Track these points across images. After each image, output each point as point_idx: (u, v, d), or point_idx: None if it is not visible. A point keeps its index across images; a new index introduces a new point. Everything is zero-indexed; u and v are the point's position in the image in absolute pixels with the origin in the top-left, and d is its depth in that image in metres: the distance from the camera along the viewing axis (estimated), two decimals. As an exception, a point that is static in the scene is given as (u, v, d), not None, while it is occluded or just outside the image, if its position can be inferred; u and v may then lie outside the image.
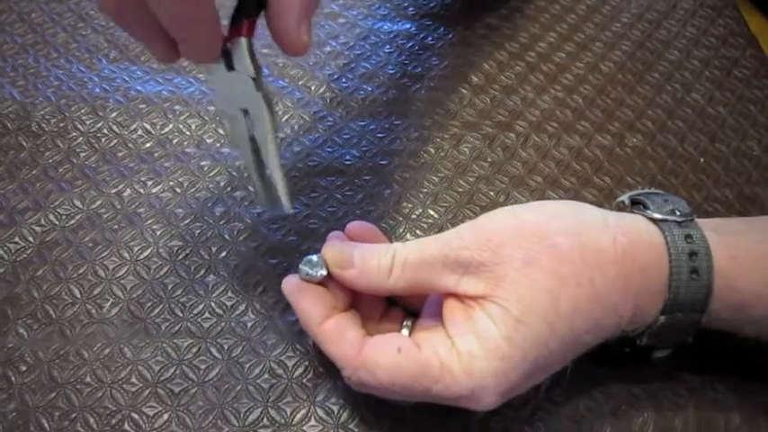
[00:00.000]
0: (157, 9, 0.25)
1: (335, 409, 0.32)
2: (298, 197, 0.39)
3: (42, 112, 0.43)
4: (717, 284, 0.28)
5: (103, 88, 0.45)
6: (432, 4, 0.51)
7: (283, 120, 0.43)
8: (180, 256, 0.37)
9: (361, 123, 0.43)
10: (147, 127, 0.43)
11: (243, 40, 0.27)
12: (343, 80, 0.46)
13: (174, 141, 0.42)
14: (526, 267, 0.27)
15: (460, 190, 0.40)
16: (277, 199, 0.31)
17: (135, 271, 0.36)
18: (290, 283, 0.30)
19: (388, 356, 0.28)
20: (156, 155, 0.41)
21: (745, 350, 0.32)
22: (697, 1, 0.51)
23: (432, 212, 0.39)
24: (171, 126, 0.43)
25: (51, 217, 0.38)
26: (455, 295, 0.29)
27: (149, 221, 0.38)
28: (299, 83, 0.45)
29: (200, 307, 0.35)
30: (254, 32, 0.28)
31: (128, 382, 0.32)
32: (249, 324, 0.34)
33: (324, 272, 0.30)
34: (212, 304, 0.35)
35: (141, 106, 0.44)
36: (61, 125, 0.43)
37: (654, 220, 0.29)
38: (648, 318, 0.29)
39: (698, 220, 0.29)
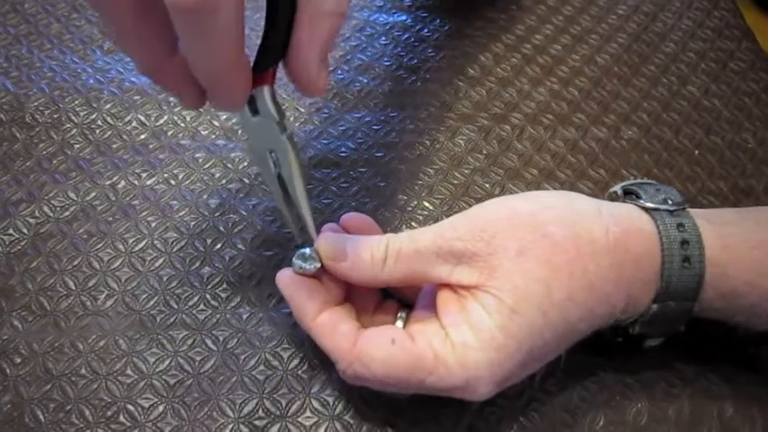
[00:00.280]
0: (195, 66, 0.25)
1: (331, 400, 0.32)
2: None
3: (36, 104, 0.43)
4: (709, 273, 0.28)
5: (97, 79, 0.44)
6: (427, -4, 0.51)
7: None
8: (175, 248, 0.37)
9: (357, 115, 0.43)
10: (142, 119, 0.43)
11: (266, 88, 0.28)
12: (339, 72, 0.45)
13: (169, 133, 0.42)
14: (520, 257, 0.27)
15: (456, 182, 0.40)
16: (306, 231, 0.31)
17: (130, 263, 0.36)
18: (283, 278, 0.30)
19: (382, 349, 0.28)
20: (151, 147, 0.41)
21: (738, 340, 0.33)
22: (693, -7, 0.51)
23: (427, 204, 0.39)
24: (165, 118, 0.43)
25: (45, 209, 0.38)
26: (449, 286, 0.29)
27: (144, 213, 0.38)
28: (295, 75, 0.45)
29: (196, 299, 0.35)
30: (275, 79, 0.29)
31: (123, 374, 0.32)
32: (244, 316, 0.34)
33: (317, 264, 0.30)
34: (207, 296, 0.35)
35: (136, 98, 0.44)
36: (55, 116, 0.42)
37: (646, 210, 0.29)
38: (641, 306, 0.29)
39: (690, 210, 0.30)
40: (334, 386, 0.32)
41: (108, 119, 0.42)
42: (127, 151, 0.41)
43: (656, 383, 0.32)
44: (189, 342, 0.33)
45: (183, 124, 0.42)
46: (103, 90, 0.44)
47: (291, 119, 0.43)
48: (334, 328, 0.29)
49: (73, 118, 0.42)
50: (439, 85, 0.45)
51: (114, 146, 0.41)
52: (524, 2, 0.50)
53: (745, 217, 0.30)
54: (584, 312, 0.28)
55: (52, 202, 0.38)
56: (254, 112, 0.29)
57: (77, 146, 0.41)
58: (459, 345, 0.27)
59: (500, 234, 0.28)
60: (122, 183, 0.39)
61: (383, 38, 0.48)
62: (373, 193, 0.39)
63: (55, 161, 0.40)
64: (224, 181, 0.40)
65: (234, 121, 0.42)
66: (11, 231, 0.37)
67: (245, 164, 0.40)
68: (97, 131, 0.42)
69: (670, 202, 0.29)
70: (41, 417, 0.31)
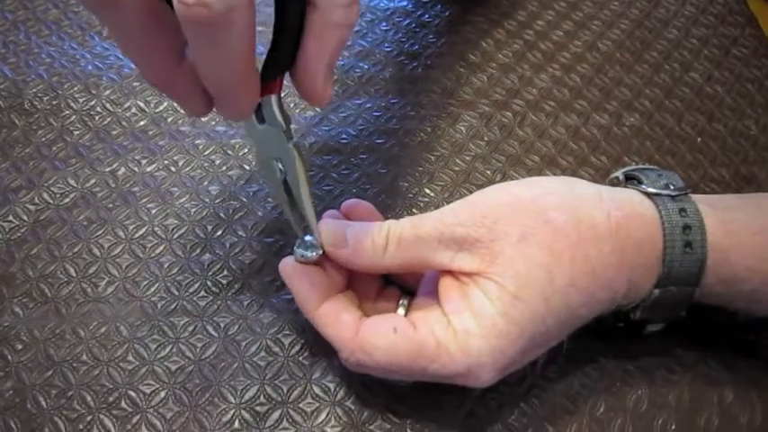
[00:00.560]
0: (206, 77, 0.25)
1: (332, 386, 0.32)
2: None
3: (35, 90, 0.43)
4: (710, 258, 0.28)
5: (96, 66, 0.44)
6: (428, -18, 0.50)
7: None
8: (175, 235, 0.37)
9: (358, 102, 0.43)
10: (141, 105, 0.42)
11: (273, 97, 0.28)
12: (339, 58, 0.45)
13: (169, 120, 0.42)
14: (521, 243, 0.27)
15: (457, 169, 0.40)
16: (311, 235, 0.31)
17: (130, 250, 0.36)
18: (286, 267, 0.30)
19: (384, 337, 0.28)
20: (151, 133, 0.41)
21: (738, 326, 0.33)
22: (696, -21, 0.51)
23: (428, 191, 0.39)
24: (165, 104, 0.42)
25: (45, 196, 0.38)
26: (451, 273, 0.29)
27: (144, 200, 0.38)
28: (295, 61, 0.45)
29: (196, 285, 0.35)
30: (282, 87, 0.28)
31: (124, 360, 0.32)
32: (245, 302, 0.34)
33: (319, 251, 0.30)
34: (208, 283, 0.35)
35: (135, 84, 0.43)
36: (54, 103, 0.42)
37: (648, 195, 0.29)
38: (643, 292, 0.29)
39: (692, 196, 0.29)
40: (335, 372, 0.32)
41: (107, 105, 0.42)
42: (126, 138, 0.41)
43: (657, 370, 0.32)
44: (190, 329, 0.33)
45: (182, 111, 0.42)
46: (102, 76, 0.44)
47: (292, 105, 0.42)
48: (336, 317, 0.29)
49: (72, 104, 0.42)
50: (440, 71, 0.45)
51: (114, 132, 0.41)
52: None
53: (747, 203, 0.30)
54: (585, 298, 0.28)
55: (52, 188, 0.38)
56: (261, 120, 0.29)
57: (77, 132, 0.41)
58: (462, 332, 0.27)
59: (502, 220, 0.28)
60: (122, 169, 0.39)
61: (384, 23, 0.47)
62: (374, 179, 0.39)
63: (54, 148, 0.40)
64: (224, 167, 0.39)
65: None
66: (11, 218, 0.37)
67: (246, 150, 0.40)
68: (96, 118, 0.42)
69: (672, 188, 0.29)
70: (43, 403, 0.31)
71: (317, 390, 0.32)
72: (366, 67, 0.45)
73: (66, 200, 0.38)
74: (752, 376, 0.32)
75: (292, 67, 0.27)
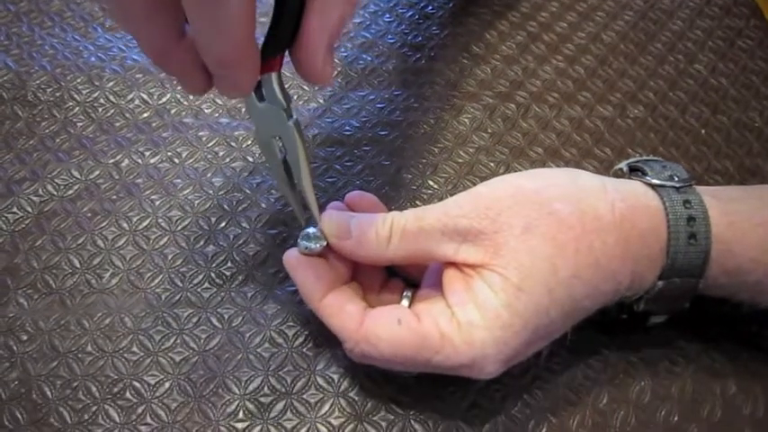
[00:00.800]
0: (206, 52, 0.25)
1: (336, 377, 0.32)
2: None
3: (38, 82, 0.43)
4: (714, 250, 0.28)
5: (99, 57, 0.44)
6: (432, -27, 0.50)
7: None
8: (179, 227, 0.37)
9: (361, 93, 0.43)
10: (145, 97, 0.42)
11: (274, 75, 0.28)
12: (343, 49, 0.45)
13: (172, 111, 0.42)
14: (525, 234, 0.27)
15: (460, 161, 0.40)
16: (311, 216, 0.31)
17: (134, 241, 0.36)
18: (291, 259, 0.30)
19: (388, 329, 0.28)
20: (154, 125, 0.41)
21: (741, 318, 0.33)
22: (701, -30, 0.51)
23: (431, 183, 0.39)
24: (168, 96, 0.42)
25: (49, 187, 0.38)
26: (455, 265, 0.29)
27: (148, 192, 0.38)
28: (298, 53, 0.45)
29: (200, 277, 0.35)
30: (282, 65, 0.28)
31: (129, 351, 0.32)
32: (249, 294, 0.34)
33: (323, 243, 0.30)
34: (212, 274, 0.35)
35: (138, 76, 0.43)
36: (57, 95, 0.42)
37: (652, 186, 0.29)
38: (646, 283, 0.29)
39: (696, 187, 0.29)
40: (339, 363, 0.32)
41: (110, 97, 0.42)
42: (130, 129, 0.41)
43: (660, 361, 0.32)
44: (194, 320, 0.33)
45: (185, 102, 0.42)
46: (105, 68, 0.44)
47: (295, 97, 0.42)
48: (340, 308, 0.29)
49: (75, 96, 0.42)
50: (443, 63, 0.44)
51: (117, 124, 0.41)
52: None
53: (751, 194, 0.30)
54: (589, 289, 0.28)
55: (56, 180, 0.38)
56: (261, 98, 0.29)
57: (80, 124, 0.41)
58: (465, 324, 0.27)
59: (505, 212, 0.28)
60: (126, 161, 0.39)
61: (387, 15, 0.47)
62: (377, 171, 0.39)
63: (58, 140, 0.40)
64: (228, 159, 0.39)
65: (237, 99, 0.42)
66: (15, 210, 0.37)
67: (249, 142, 0.40)
68: (100, 110, 0.42)
69: (676, 179, 0.29)
70: (49, 393, 0.31)
71: (320, 381, 0.32)
72: (369, 58, 0.45)
73: (70, 191, 0.38)
74: (755, 368, 0.32)
75: (292, 45, 0.27)
